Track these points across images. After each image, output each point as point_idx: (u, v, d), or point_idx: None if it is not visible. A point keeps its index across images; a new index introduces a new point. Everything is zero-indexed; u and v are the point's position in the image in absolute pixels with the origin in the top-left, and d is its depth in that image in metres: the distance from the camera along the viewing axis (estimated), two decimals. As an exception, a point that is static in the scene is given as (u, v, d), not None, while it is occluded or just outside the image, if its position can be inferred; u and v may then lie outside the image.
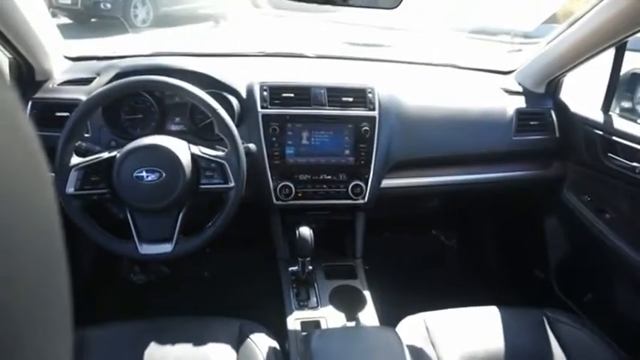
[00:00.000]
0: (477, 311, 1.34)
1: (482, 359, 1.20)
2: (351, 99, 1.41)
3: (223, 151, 1.17)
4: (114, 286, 1.92)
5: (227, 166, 1.14)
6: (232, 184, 1.14)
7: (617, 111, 1.47)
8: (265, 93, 1.38)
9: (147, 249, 1.13)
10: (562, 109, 1.61)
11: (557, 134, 1.60)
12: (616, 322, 1.44)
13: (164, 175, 1.09)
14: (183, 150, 1.13)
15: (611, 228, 1.44)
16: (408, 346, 1.20)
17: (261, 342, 1.17)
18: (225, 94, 1.36)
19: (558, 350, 1.23)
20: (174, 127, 1.42)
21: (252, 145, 1.26)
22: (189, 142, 1.18)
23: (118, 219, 1.17)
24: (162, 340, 1.17)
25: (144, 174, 1.08)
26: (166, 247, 1.13)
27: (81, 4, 7.57)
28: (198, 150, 1.16)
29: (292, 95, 1.39)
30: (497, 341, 1.24)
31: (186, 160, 1.12)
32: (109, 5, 7.56)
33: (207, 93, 1.22)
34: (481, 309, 1.35)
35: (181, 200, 1.13)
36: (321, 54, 1.79)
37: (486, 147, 1.56)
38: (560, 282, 1.72)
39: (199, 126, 1.38)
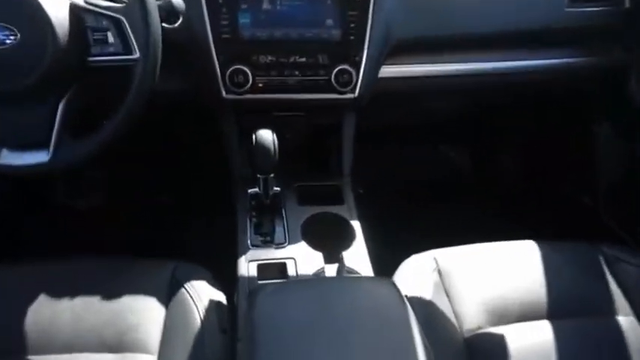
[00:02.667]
0: (508, 247, 0.98)
1: (520, 313, 0.85)
2: None
3: (124, 3, 0.73)
4: (46, 214, 1.55)
5: (126, 24, 0.71)
6: (137, 55, 0.72)
7: None
8: None
9: (8, 158, 0.73)
10: None
11: (627, 4, 1.14)
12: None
13: (20, 36, 0.66)
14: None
15: None
16: (411, 298, 0.84)
17: (199, 292, 0.81)
18: None
19: (621, 298, 0.88)
20: None
21: (176, 0, 0.82)
22: None
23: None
24: (65, 288, 0.82)
25: None
26: (40, 156, 0.73)
27: None
28: (82, 0, 0.72)
29: None
30: (537, 287, 0.89)
31: (58, 12, 0.68)
32: None
33: None
34: (512, 244, 0.98)
35: (57, 80, 0.71)
36: None
37: (528, 22, 1.10)
38: (611, 211, 1.34)
39: None
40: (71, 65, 0.71)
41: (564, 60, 1.16)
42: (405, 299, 0.65)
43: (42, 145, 0.73)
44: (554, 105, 1.42)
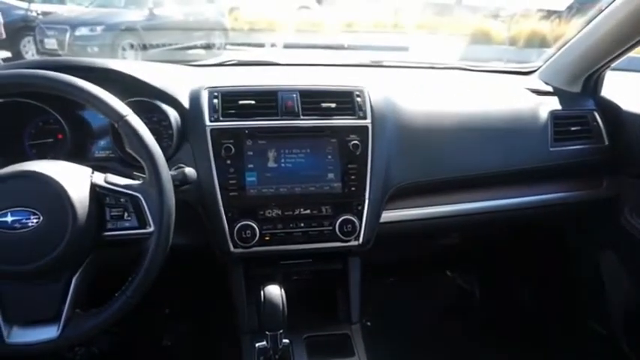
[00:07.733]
0: None
1: None
2: (333, 105, 1.05)
3: (141, 179, 0.79)
4: None
5: (143, 200, 0.76)
6: (152, 228, 0.76)
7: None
8: (216, 101, 1.01)
9: (18, 335, 0.72)
10: (609, 109, 1.25)
11: (606, 142, 1.23)
12: None
13: (42, 219, 0.70)
14: (77, 180, 0.75)
15: None
16: None
17: None
18: (159, 103, 0.99)
19: None
20: (99, 154, 1.05)
21: (189, 170, 0.88)
22: (101, 169, 0.80)
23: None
24: None
25: (9, 218, 0.70)
26: (50, 331, 0.73)
27: (68, 49, 7.39)
28: (102, 179, 0.77)
29: (253, 102, 1.02)
30: None
31: (80, 194, 0.73)
32: (96, 49, 7.36)
33: (131, 103, 0.86)
34: None
35: (72, 258, 0.74)
36: (296, 62, 1.44)
37: (517, 163, 1.18)
38: (630, 338, 1.29)
39: (127, 150, 1.00)
40: (87, 242, 0.74)
41: (556, 195, 1.22)
42: None
43: (51, 320, 0.73)
44: (554, 235, 1.45)
